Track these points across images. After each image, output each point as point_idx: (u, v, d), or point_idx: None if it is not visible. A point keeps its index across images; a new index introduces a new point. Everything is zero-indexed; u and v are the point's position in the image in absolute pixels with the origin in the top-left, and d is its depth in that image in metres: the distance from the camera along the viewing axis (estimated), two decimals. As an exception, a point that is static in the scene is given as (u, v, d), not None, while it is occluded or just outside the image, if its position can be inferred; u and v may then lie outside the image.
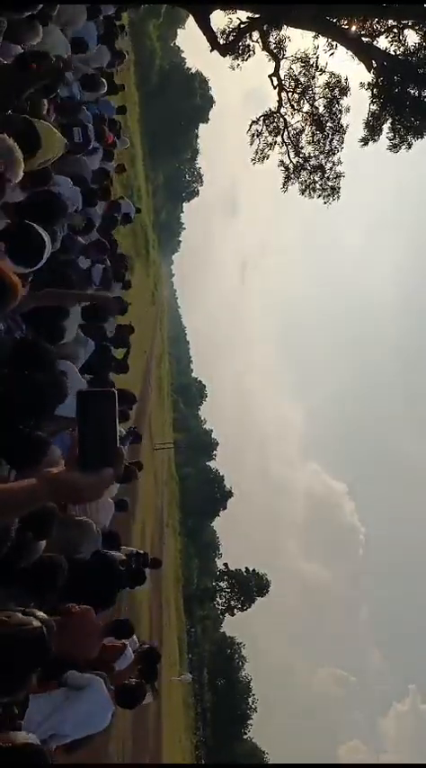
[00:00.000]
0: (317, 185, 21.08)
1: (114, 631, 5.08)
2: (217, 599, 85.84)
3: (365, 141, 19.55)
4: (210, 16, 18.81)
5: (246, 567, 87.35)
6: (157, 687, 6.94)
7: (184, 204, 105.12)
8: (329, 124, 20.46)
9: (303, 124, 20.96)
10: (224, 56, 19.93)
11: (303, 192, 21.39)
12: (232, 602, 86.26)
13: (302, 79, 20.41)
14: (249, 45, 20.21)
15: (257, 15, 18.91)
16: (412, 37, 17.64)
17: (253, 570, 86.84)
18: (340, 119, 20.34)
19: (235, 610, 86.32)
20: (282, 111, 21.07)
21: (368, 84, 18.80)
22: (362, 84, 19.05)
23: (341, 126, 20.42)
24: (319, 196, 21.18)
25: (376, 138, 19.40)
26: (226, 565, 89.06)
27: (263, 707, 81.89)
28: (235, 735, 71.82)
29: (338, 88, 19.98)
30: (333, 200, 21.15)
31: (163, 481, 51.28)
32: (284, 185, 21.61)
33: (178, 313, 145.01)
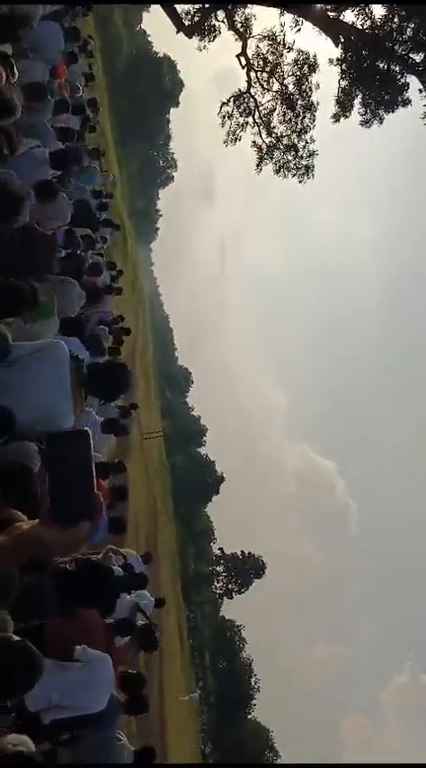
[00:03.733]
0: (291, 164, 20.98)
1: (117, 629, 5.12)
2: (215, 583, 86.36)
3: (336, 118, 19.44)
4: (174, -3, 18.58)
5: (242, 551, 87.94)
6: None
7: (160, 191, 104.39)
8: (299, 102, 20.31)
9: (273, 103, 20.82)
10: (190, 37, 19.69)
11: (277, 171, 21.28)
12: (229, 586, 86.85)
13: (270, 57, 20.24)
14: (215, 25, 19.98)
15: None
16: (378, 10, 17.52)
17: (249, 553, 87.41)
18: (310, 96, 20.21)
19: (233, 593, 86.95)
20: (252, 91, 20.91)
21: (337, 59, 18.69)
22: (331, 61, 18.93)
23: (312, 103, 20.28)
24: (293, 175, 21.08)
25: (347, 114, 19.30)
26: (221, 549, 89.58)
27: (266, 687, 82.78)
28: (240, 716, 72.57)
29: (307, 65, 19.82)
30: (308, 178, 21.06)
31: (154, 470, 51.27)
32: (258, 166, 21.48)
33: (160, 301, 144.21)
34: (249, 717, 75.30)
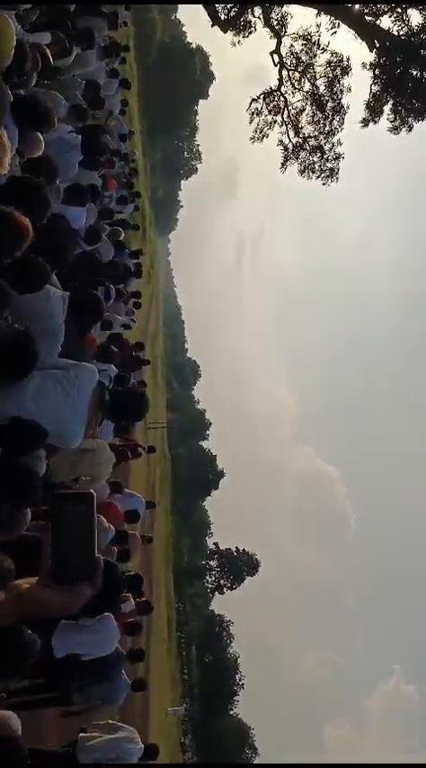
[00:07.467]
0: (316, 166, 20.93)
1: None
2: (207, 577, 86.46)
3: (365, 122, 19.36)
4: (212, -10, 18.51)
5: (237, 547, 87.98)
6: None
7: (182, 182, 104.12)
8: (329, 104, 20.23)
9: (303, 103, 20.75)
10: (225, 31, 19.64)
11: (302, 172, 21.23)
12: (221, 581, 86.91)
13: (303, 57, 20.16)
14: (250, 21, 19.92)
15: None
16: (415, 17, 17.42)
17: (244, 550, 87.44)
18: (340, 99, 20.14)
19: (225, 588, 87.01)
20: (283, 89, 20.83)
21: (370, 64, 18.61)
22: (364, 65, 18.87)
23: (342, 106, 20.21)
24: (318, 177, 21.03)
25: (376, 119, 19.21)
26: (216, 544, 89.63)
27: (251, 685, 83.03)
28: (222, 710, 72.77)
29: (339, 67, 19.74)
30: (332, 181, 21.00)
31: (155, 460, 51.36)
32: (283, 165, 21.44)
33: (174, 292, 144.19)
34: (231, 713, 75.56)
